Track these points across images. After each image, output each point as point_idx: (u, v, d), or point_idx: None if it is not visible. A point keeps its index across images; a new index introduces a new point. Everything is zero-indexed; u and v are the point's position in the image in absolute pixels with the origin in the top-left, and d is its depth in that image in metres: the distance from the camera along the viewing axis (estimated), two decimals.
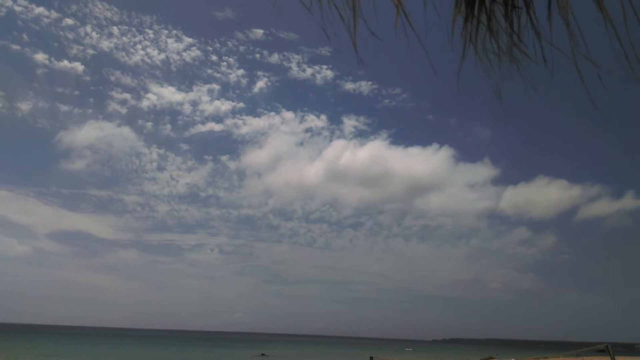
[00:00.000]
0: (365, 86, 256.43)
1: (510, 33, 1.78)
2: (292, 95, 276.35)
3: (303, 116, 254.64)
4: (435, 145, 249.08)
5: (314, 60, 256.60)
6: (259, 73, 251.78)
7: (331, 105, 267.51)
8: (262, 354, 66.05)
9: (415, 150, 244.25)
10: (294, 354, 75.31)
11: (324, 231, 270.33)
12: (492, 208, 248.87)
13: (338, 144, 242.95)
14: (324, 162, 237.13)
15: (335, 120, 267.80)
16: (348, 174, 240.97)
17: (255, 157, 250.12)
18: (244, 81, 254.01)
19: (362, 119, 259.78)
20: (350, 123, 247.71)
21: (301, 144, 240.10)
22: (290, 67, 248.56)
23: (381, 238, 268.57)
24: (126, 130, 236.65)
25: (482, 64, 1.84)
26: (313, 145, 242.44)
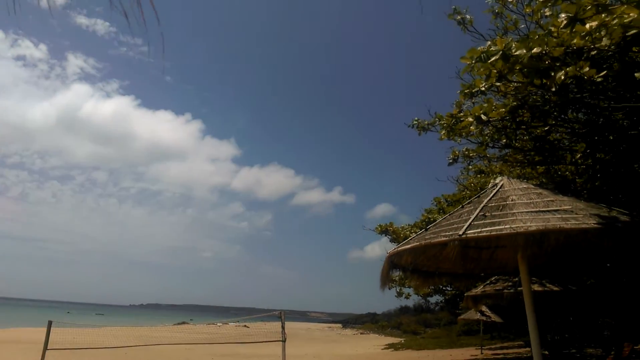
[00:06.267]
0: (102, 26, 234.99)
1: None
2: None
3: (16, 40, 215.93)
4: (187, 116, 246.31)
5: None
6: None
7: (56, 35, 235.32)
8: None
9: (166, 116, 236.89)
10: None
11: (22, 179, 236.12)
12: (226, 183, 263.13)
13: (80, 89, 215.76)
14: (55, 106, 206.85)
15: (58, 54, 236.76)
16: (84, 126, 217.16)
17: None
18: None
19: (91, 61, 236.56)
20: (76, 62, 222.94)
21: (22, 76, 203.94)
22: None
23: (92, 196, 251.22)
24: None
25: None
26: (40, 81, 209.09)
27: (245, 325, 50.58)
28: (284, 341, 12.97)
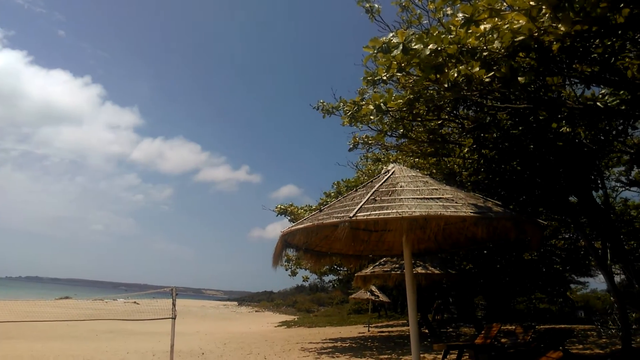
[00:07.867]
0: None
1: None
2: None
3: None
4: (86, 78, 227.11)
5: None
6: None
7: None
8: None
9: (62, 77, 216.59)
10: None
11: None
12: (125, 153, 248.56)
13: None
14: None
15: None
16: None
17: None
18: None
19: None
20: None
21: None
22: None
23: None
24: None
25: None
26: None
27: (135, 302, 48.67)
28: (173, 318, 12.68)
